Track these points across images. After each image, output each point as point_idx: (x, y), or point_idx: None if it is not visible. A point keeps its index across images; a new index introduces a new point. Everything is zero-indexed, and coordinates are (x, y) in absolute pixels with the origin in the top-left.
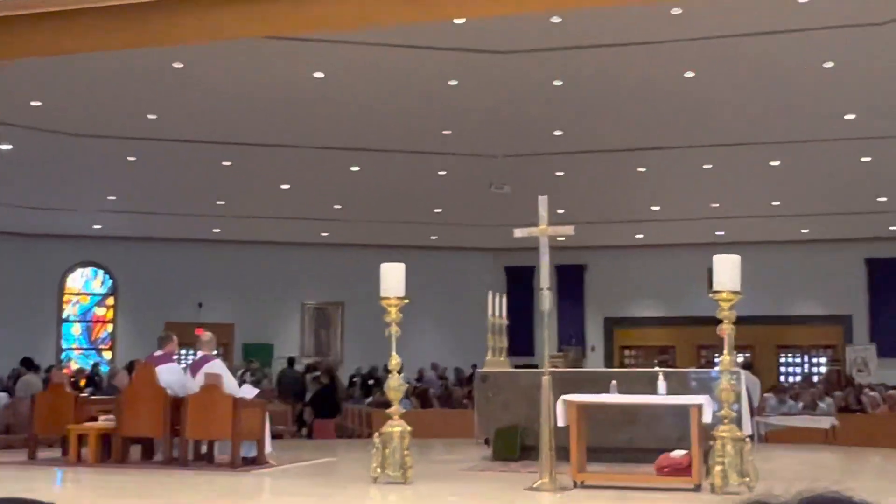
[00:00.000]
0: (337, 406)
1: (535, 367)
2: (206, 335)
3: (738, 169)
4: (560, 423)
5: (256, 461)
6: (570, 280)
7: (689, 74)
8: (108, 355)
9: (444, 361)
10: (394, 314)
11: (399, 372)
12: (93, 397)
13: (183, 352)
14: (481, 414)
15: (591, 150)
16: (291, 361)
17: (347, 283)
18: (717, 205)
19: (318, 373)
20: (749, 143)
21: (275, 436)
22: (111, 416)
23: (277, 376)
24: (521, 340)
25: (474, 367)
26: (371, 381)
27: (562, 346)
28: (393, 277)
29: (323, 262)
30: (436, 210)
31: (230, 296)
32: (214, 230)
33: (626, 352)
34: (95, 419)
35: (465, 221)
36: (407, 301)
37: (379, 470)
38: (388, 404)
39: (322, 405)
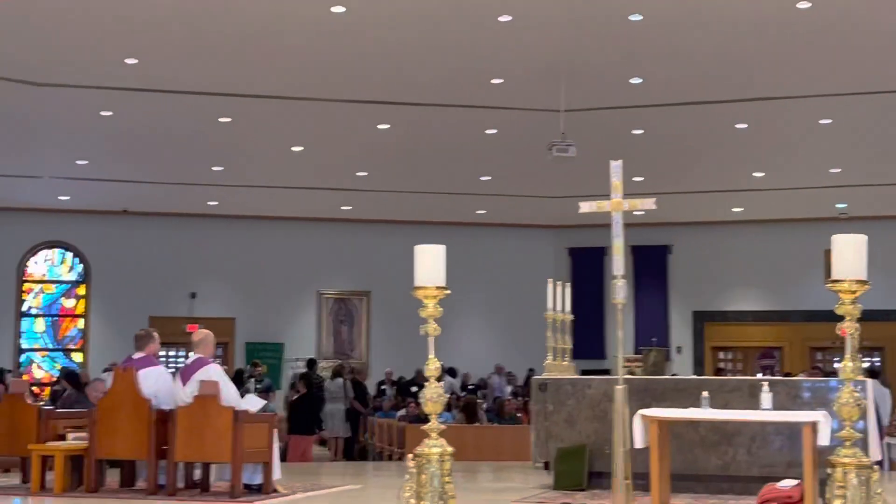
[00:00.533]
0: (316, 420)
1: (607, 372)
2: (201, 333)
3: (865, 125)
4: (638, 445)
5: (262, 489)
6: (651, 265)
7: (804, 5)
8: (78, 358)
9: (492, 365)
10: (431, 308)
11: (438, 379)
12: (60, 411)
13: (171, 354)
14: (539, 431)
15: (678, 101)
16: (312, 364)
17: (374, 269)
18: (838, 170)
19: (342, 378)
20: (881, 92)
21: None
22: (82, 434)
23: (296, 382)
24: (589, 340)
25: (530, 372)
26: (415, 389)
27: (640, 346)
28: (430, 262)
29: (344, 243)
30: (483, 178)
31: (230, 284)
32: (210, 203)
33: (721, 354)
34: (63, 437)
35: (519, 192)
36: (448, 292)
37: (413, 501)
38: (424, 418)
39: (298, 419)
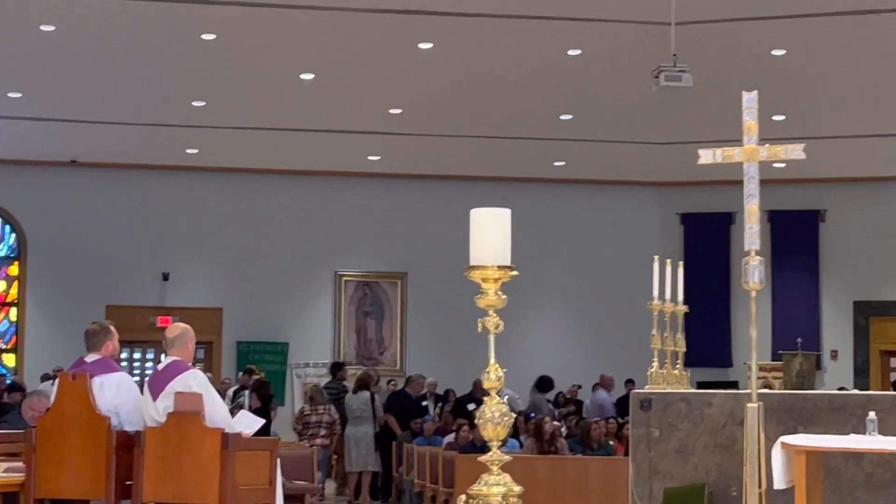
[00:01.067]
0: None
1: (735, 385)
2: (176, 328)
3: None
4: (778, 485)
5: None
6: (797, 237)
7: None
8: (9, 360)
9: (577, 373)
10: (492, 295)
11: (499, 393)
12: None
13: (136, 356)
14: (640, 465)
15: (838, 9)
16: (338, 368)
17: (412, 242)
18: None
19: (368, 392)
20: None
21: (293, 496)
22: (17, 465)
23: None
24: (710, 341)
25: (629, 385)
26: (472, 406)
27: (780, 350)
28: (490, 232)
29: (371, 207)
30: (563, 117)
31: (216, 263)
32: (189, 151)
33: (893, 361)
34: None
35: (612, 136)
36: (514, 273)
37: None
38: (481, 446)
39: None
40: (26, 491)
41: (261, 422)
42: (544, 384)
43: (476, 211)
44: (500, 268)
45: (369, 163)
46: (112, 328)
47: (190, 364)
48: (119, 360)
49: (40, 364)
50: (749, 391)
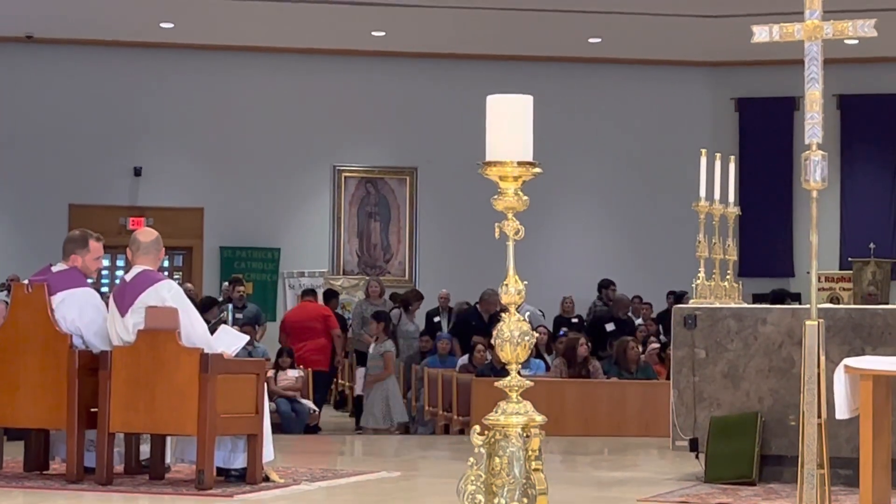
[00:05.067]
0: None
1: (798, 298)
2: (147, 233)
3: None
4: (841, 414)
5: (246, 477)
6: (869, 126)
7: None
8: None
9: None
10: (511, 196)
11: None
12: None
13: (104, 263)
14: (684, 391)
15: None
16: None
17: (422, 132)
18: None
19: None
20: None
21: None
22: None
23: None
24: (766, 247)
25: (672, 297)
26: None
27: (850, 258)
28: (510, 122)
29: (375, 91)
30: None
31: (195, 155)
32: (163, 25)
33: None
34: None
35: (654, 8)
36: (538, 171)
37: (480, 498)
38: (499, 369)
39: None
40: None
41: (245, 338)
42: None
43: (493, 98)
44: (521, 164)
45: (373, 39)
46: (92, 241)
47: (163, 274)
48: (93, 274)
49: None
50: (809, 306)
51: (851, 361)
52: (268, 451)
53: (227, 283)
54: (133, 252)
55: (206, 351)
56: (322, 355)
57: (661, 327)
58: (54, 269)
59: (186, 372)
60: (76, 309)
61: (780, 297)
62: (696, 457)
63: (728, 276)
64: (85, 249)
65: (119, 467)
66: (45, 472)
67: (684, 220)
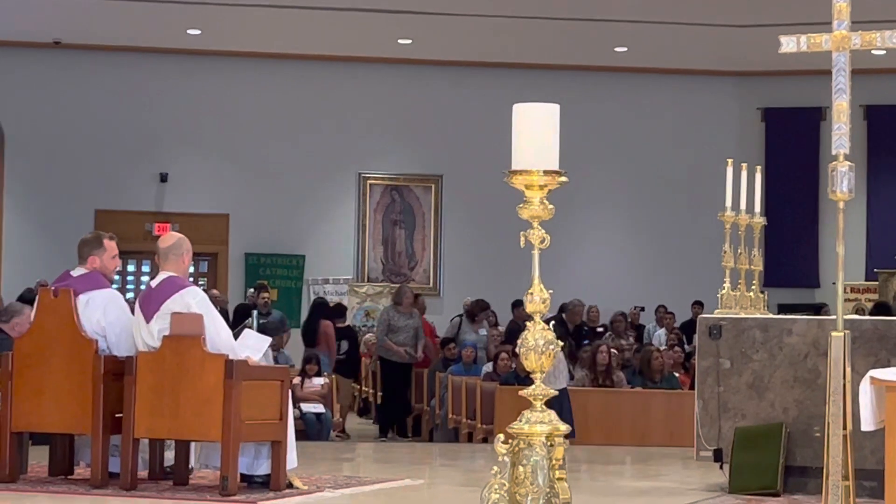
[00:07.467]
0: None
1: (821, 309)
2: (172, 238)
3: None
4: (867, 426)
5: (270, 484)
6: (894, 139)
7: None
8: None
9: (638, 293)
10: (537, 205)
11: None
12: None
13: (129, 269)
14: (708, 401)
15: None
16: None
17: (448, 141)
18: None
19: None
20: None
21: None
22: None
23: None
24: (792, 258)
25: (696, 308)
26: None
27: (875, 269)
28: (536, 131)
29: (401, 99)
30: None
31: (221, 162)
32: (191, 32)
33: None
34: None
35: (680, 18)
36: (564, 179)
37: None
38: (524, 378)
39: None
40: (2, 424)
41: (268, 340)
42: None
43: (519, 106)
44: (547, 173)
45: (399, 47)
46: (106, 240)
47: (189, 280)
48: (113, 276)
49: (22, 278)
50: (836, 317)
51: (877, 373)
52: (291, 458)
53: (251, 290)
54: (159, 258)
55: (230, 357)
56: None
57: (684, 337)
58: (74, 273)
59: (211, 378)
60: (100, 309)
61: (816, 309)
62: (721, 467)
63: (753, 287)
64: (101, 249)
65: (143, 473)
66: (69, 477)
67: (710, 230)
